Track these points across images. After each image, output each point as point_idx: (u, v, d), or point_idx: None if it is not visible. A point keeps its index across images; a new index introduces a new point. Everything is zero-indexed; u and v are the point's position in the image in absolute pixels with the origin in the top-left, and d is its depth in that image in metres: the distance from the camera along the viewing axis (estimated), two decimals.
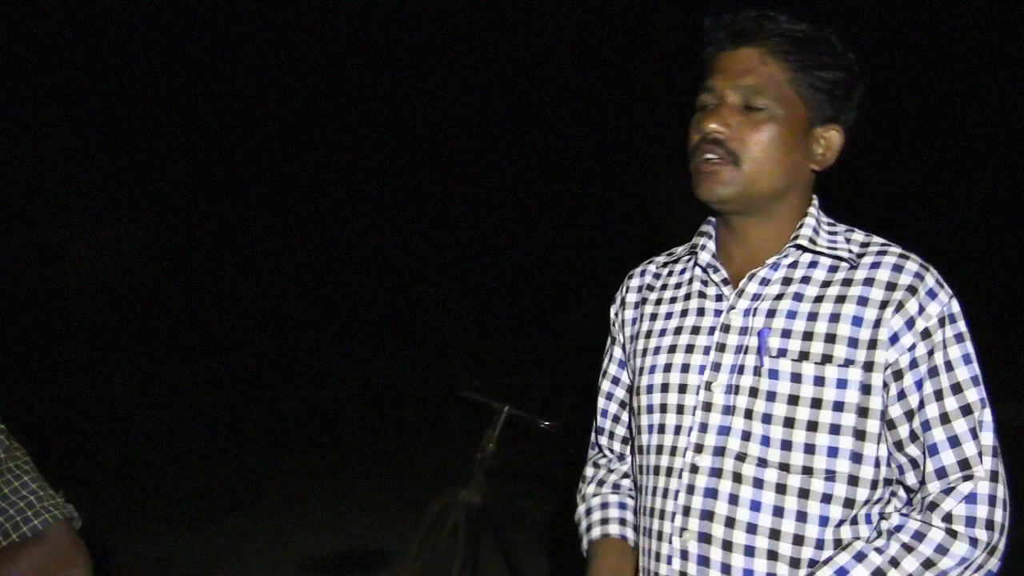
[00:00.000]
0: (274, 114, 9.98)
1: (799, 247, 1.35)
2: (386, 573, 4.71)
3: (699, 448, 1.33)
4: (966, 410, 1.24)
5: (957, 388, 1.24)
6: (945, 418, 1.24)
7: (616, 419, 1.60)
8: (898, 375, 1.25)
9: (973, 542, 1.20)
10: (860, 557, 1.22)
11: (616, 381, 1.60)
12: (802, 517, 1.26)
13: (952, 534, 1.20)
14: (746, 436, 1.29)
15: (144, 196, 8.77)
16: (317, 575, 4.90)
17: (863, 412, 1.26)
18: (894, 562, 1.21)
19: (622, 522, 1.52)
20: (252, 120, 9.88)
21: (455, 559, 3.70)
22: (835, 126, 1.36)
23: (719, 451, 1.31)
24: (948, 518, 1.21)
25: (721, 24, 1.36)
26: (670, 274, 1.52)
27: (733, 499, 1.29)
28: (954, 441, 1.23)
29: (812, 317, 1.30)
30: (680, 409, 1.37)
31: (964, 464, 1.22)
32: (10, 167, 8.05)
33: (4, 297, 7.83)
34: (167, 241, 8.93)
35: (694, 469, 1.32)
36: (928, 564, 1.20)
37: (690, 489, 1.32)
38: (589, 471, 1.64)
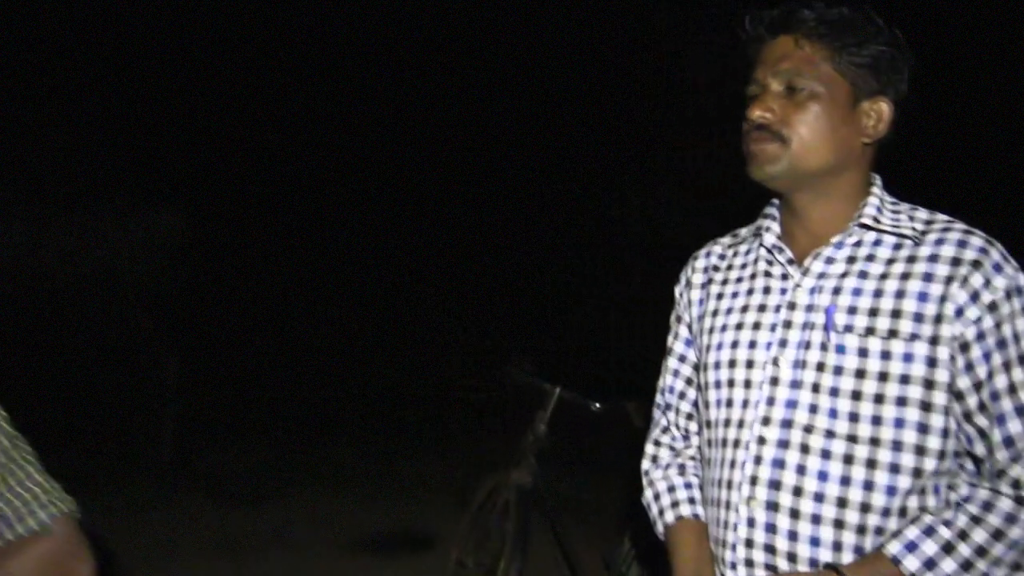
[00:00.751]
0: (283, 111, 10.08)
1: (863, 226, 1.39)
2: (436, 553, 4.79)
3: (766, 421, 1.37)
4: None
5: None
6: (1012, 388, 1.27)
7: (682, 396, 1.64)
8: (965, 347, 1.29)
9: None
10: (929, 531, 1.25)
11: (682, 359, 1.64)
12: (869, 486, 1.30)
13: (1020, 502, 1.23)
14: (813, 409, 1.34)
15: (149, 191, 8.91)
16: (363, 558, 4.97)
17: (929, 384, 1.29)
18: (963, 535, 1.24)
19: (691, 501, 1.57)
20: (256, 117, 9.99)
21: (506, 540, 3.76)
22: (883, 98, 1.40)
23: (786, 423, 1.35)
24: (1016, 485, 1.24)
25: (759, 19, 1.43)
26: (735, 255, 1.57)
27: (800, 469, 1.33)
28: (1021, 410, 1.26)
29: (878, 294, 1.34)
30: (748, 384, 1.41)
31: None
32: (16, 161, 8.22)
33: (18, 289, 8.02)
34: (189, 233, 9.07)
35: (761, 441, 1.37)
36: (998, 535, 1.23)
37: (757, 460, 1.37)
38: (651, 449, 1.68)
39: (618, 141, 9.62)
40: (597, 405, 3.69)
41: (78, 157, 8.80)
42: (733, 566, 1.39)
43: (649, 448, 1.69)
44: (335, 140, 10.34)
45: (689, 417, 1.64)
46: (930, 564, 1.24)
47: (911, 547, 1.25)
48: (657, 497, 1.61)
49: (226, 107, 9.84)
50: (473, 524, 3.78)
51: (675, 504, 1.58)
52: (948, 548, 1.24)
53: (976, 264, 1.30)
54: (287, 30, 9.88)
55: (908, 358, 1.29)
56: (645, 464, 1.68)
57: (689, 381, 1.63)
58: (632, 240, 9.40)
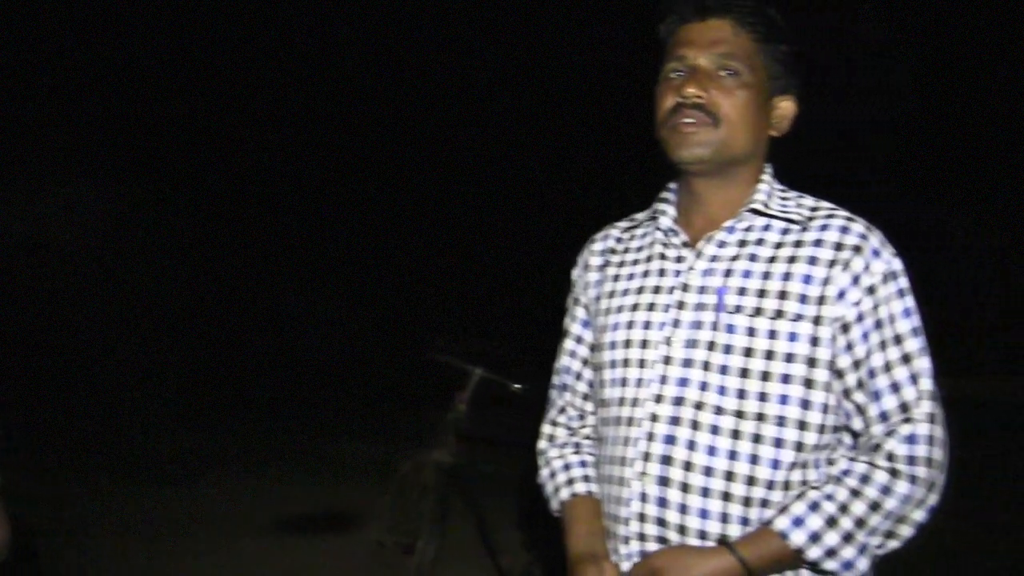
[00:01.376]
0: (263, 91, 9.89)
1: (753, 211, 1.45)
2: (357, 532, 4.79)
3: (659, 398, 1.42)
4: (906, 359, 1.34)
5: (898, 339, 1.35)
6: (888, 366, 1.34)
7: (578, 376, 1.68)
8: (846, 328, 1.36)
9: (913, 479, 1.30)
10: (814, 506, 1.31)
11: (579, 340, 1.68)
12: (754, 460, 1.35)
13: (894, 473, 1.30)
14: (703, 386, 1.39)
15: (115, 164, 8.68)
16: (284, 538, 4.95)
17: (812, 362, 1.36)
18: (844, 508, 1.30)
19: (586, 479, 1.61)
20: (198, 91, 9.78)
21: (425, 517, 3.78)
22: (789, 96, 1.48)
23: (678, 401, 1.40)
24: (891, 457, 1.31)
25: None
26: (632, 238, 1.61)
27: (691, 444, 1.38)
28: (895, 387, 1.34)
29: (766, 276, 1.40)
30: (642, 363, 1.46)
31: (904, 407, 1.33)
32: None
33: None
34: (133, 210, 8.85)
35: (654, 418, 1.41)
36: (875, 506, 1.30)
37: (650, 436, 1.41)
38: (548, 429, 1.72)
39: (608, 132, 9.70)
40: (517, 385, 3.74)
41: (14, 129, 8.50)
42: (626, 540, 1.43)
43: (546, 428, 1.72)
44: (294, 114, 10.16)
45: (585, 397, 1.68)
46: (815, 537, 1.30)
47: (798, 522, 1.31)
48: (552, 475, 1.65)
49: (164, 82, 9.60)
50: (393, 503, 3.80)
51: (570, 482, 1.61)
52: (831, 521, 1.30)
53: (857, 249, 1.37)
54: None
55: (793, 337, 1.36)
56: (541, 444, 1.71)
57: (585, 362, 1.67)
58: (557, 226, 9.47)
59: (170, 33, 9.37)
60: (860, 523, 1.30)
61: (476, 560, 4.17)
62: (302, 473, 6.17)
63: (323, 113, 10.32)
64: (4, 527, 1.33)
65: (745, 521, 1.35)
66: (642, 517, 1.41)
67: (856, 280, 1.36)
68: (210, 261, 9.77)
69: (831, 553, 1.30)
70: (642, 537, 1.41)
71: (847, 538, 1.30)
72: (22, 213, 8.04)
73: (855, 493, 1.31)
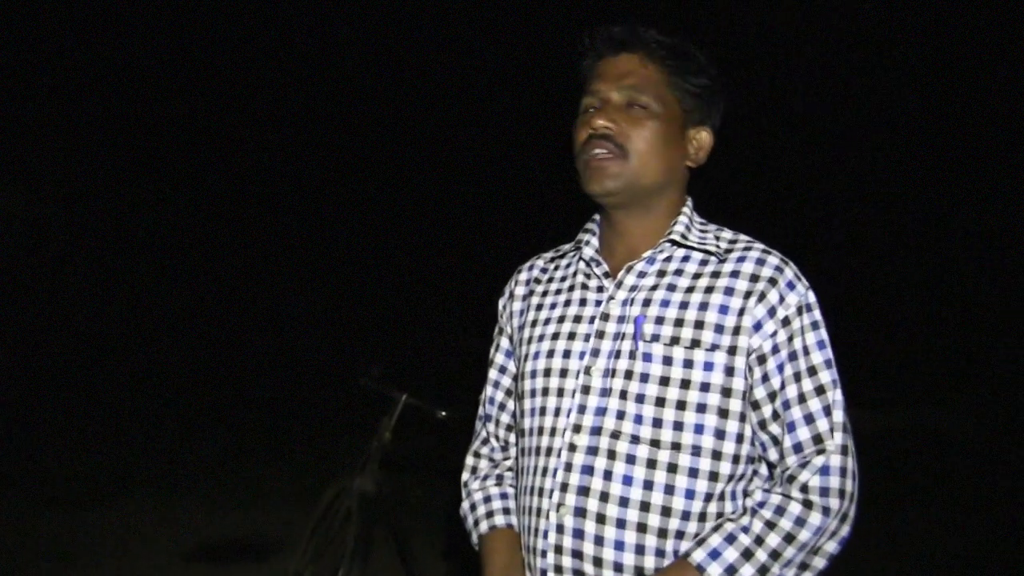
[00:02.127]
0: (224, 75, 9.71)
1: (673, 242, 1.47)
2: (276, 561, 4.68)
3: (577, 428, 1.41)
4: (820, 390, 1.36)
5: (812, 371, 1.37)
6: (802, 398, 1.36)
7: (502, 407, 1.68)
8: (761, 359, 1.37)
9: (826, 511, 1.31)
10: (730, 539, 1.32)
11: (503, 370, 1.68)
12: (670, 490, 1.35)
13: (808, 505, 1.32)
14: (620, 415, 1.39)
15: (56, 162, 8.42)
16: (202, 565, 4.82)
17: (727, 392, 1.37)
18: (759, 540, 1.31)
19: (506, 511, 1.60)
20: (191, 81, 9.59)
21: (346, 547, 3.71)
22: (705, 128, 1.51)
23: (596, 430, 1.40)
24: (804, 489, 1.32)
25: (599, 35, 1.49)
26: (556, 268, 1.63)
27: (607, 475, 1.37)
28: (809, 419, 1.35)
29: (683, 306, 1.41)
30: (560, 392, 1.46)
31: (818, 439, 1.35)
32: None
33: None
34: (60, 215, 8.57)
35: (572, 448, 1.41)
36: (789, 538, 1.31)
37: (568, 467, 1.40)
38: (471, 460, 1.71)
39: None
40: (443, 413, 3.70)
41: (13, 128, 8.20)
42: (543, 573, 1.42)
43: (469, 460, 1.71)
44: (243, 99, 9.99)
45: (509, 428, 1.67)
46: (731, 570, 1.30)
47: (714, 555, 1.31)
48: (473, 508, 1.64)
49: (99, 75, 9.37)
50: (314, 532, 3.72)
51: (490, 514, 1.60)
52: (747, 554, 1.31)
53: (772, 281, 1.39)
54: None
55: (708, 367, 1.37)
56: (465, 475, 1.70)
57: (509, 392, 1.67)
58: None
59: (170, 32, 9.19)
60: (775, 555, 1.31)
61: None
62: (222, 498, 6.02)
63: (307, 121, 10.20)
64: None
65: (660, 553, 1.35)
66: (559, 549, 1.40)
67: (772, 312, 1.38)
68: (115, 268, 9.53)
69: None
70: (558, 569, 1.40)
71: (762, 571, 1.31)
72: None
73: (770, 525, 1.32)
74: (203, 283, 9.98)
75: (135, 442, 7.40)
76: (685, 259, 1.46)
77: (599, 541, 1.36)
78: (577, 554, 1.38)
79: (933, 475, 6.67)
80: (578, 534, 1.38)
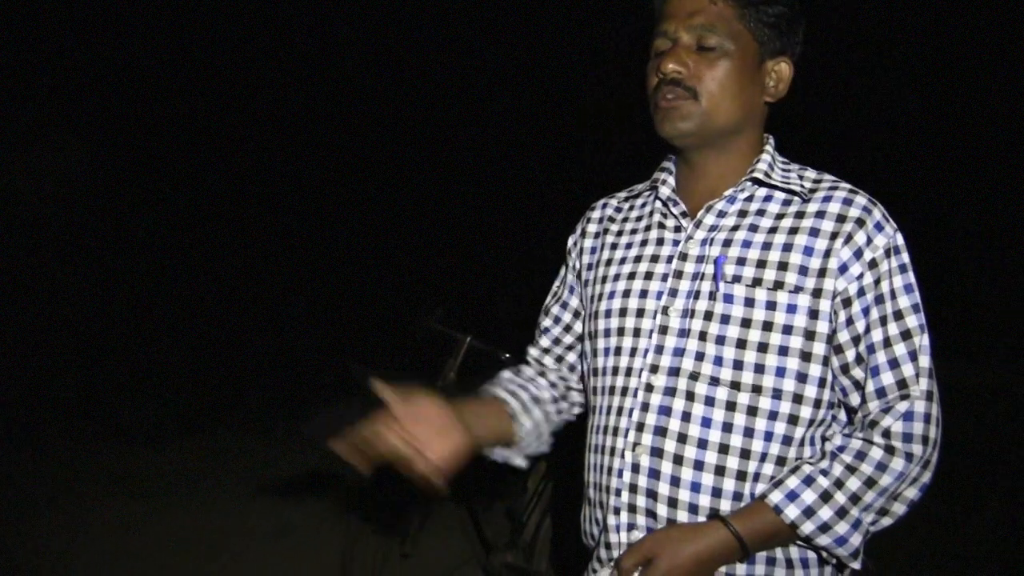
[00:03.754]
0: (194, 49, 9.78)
1: (755, 181, 1.43)
2: (339, 497, 4.79)
3: (654, 368, 1.40)
4: (906, 335, 1.32)
5: (899, 315, 1.33)
6: (887, 342, 1.32)
7: (556, 341, 1.68)
8: (847, 302, 1.33)
9: (908, 457, 1.28)
10: (808, 481, 1.29)
11: (564, 305, 1.67)
12: (749, 433, 1.34)
13: (890, 450, 1.29)
14: (700, 356, 1.37)
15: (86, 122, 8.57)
16: (272, 497, 4.96)
17: (810, 335, 1.34)
18: (839, 483, 1.28)
19: (509, 392, 1.61)
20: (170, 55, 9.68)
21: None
22: (784, 59, 1.44)
23: (674, 371, 1.38)
24: (887, 434, 1.29)
25: None
26: (631, 208, 1.59)
27: (686, 416, 1.36)
28: (893, 363, 1.32)
29: (766, 246, 1.37)
30: (637, 332, 1.44)
31: (902, 384, 1.31)
32: None
33: None
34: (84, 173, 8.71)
35: (649, 388, 1.39)
36: (870, 482, 1.28)
37: (644, 407, 1.39)
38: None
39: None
40: (507, 355, 3.71)
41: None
42: (616, 511, 1.42)
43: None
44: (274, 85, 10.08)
45: (558, 359, 1.68)
46: (808, 512, 1.28)
47: (791, 496, 1.29)
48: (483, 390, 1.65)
49: (142, 42, 9.48)
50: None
51: (496, 384, 1.64)
52: (825, 496, 1.28)
53: (860, 222, 1.34)
54: None
55: (792, 309, 1.33)
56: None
57: (567, 328, 1.67)
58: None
59: (169, 21, 9.26)
60: (854, 499, 1.29)
61: (461, 529, 4.18)
62: (282, 435, 6.15)
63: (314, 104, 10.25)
64: None
65: (738, 496, 1.33)
66: (633, 488, 1.39)
67: (858, 253, 1.33)
68: (186, 213, 9.69)
69: (824, 528, 1.29)
70: (632, 508, 1.40)
71: (840, 513, 1.28)
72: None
73: (850, 468, 1.29)
74: (261, 232, 10.12)
75: (196, 383, 7.58)
76: (767, 199, 1.42)
77: (675, 482, 1.36)
78: (651, 494, 1.38)
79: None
80: (654, 474, 1.37)
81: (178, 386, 7.50)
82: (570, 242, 1.67)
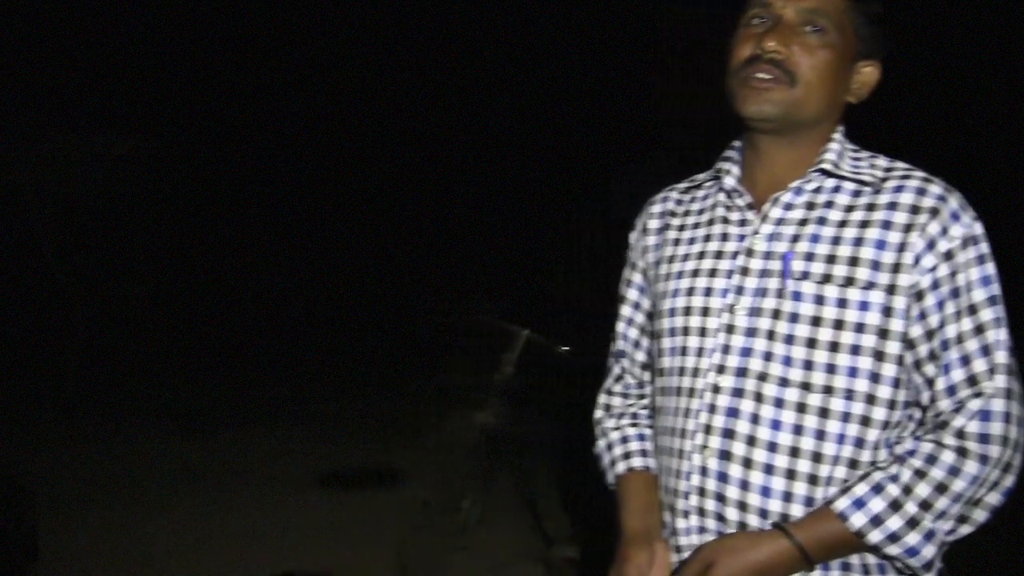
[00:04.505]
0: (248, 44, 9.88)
1: (823, 172, 1.37)
2: (400, 489, 4.81)
3: (721, 369, 1.35)
4: (979, 329, 1.25)
5: (973, 309, 1.26)
6: (960, 338, 1.25)
7: (636, 344, 1.62)
8: (920, 296, 1.27)
9: (984, 459, 1.22)
10: (877, 488, 1.23)
11: (636, 306, 1.62)
12: (820, 435, 1.28)
13: (963, 452, 1.22)
14: (768, 356, 1.32)
15: (112, 117, 8.70)
16: (324, 491, 5.00)
17: (883, 334, 1.27)
18: (908, 490, 1.22)
19: (643, 453, 1.56)
20: (224, 51, 9.79)
21: (470, 480, 3.79)
22: (875, 61, 1.38)
23: (741, 372, 1.33)
24: (960, 435, 1.23)
25: None
26: (692, 200, 1.54)
27: (754, 418, 1.31)
28: (965, 360, 1.25)
29: (835, 241, 1.31)
30: (702, 331, 1.39)
31: (972, 381, 1.24)
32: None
33: None
34: (153, 162, 8.83)
35: (716, 389, 1.35)
36: (941, 488, 1.22)
37: (711, 408, 1.35)
38: (604, 399, 1.67)
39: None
40: (564, 348, 3.70)
41: (45, 80, 8.59)
42: (685, 514, 1.38)
43: (602, 398, 1.67)
44: (300, 74, 10.16)
45: (644, 367, 1.62)
46: (876, 521, 1.23)
47: (858, 504, 1.23)
48: (609, 447, 1.60)
49: (194, 39, 9.63)
50: (437, 463, 3.80)
51: (627, 455, 1.57)
52: (895, 505, 1.23)
53: (934, 212, 1.27)
54: None
55: (864, 306, 1.27)
56: (598, 413, 1.66)
57: (643, 329, 1.61)
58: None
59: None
60: (925, 506, 1.22)
61: (520, 522, 4.18)
62: (343, 429, 6.22)
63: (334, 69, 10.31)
64: None
65: (808, 500, 1.28)
66: (701, 491, 1.35)
67: (932, 245, 1.26)
68: (236, 213, 9.82)
69: (894, 538, 1.22)
70: (701, 512, 1.36)
71: (911, 523, 1.22)
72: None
73: (919, 474, 1.23)
74: (318, 222, 10.21)
75: (257, 377, 7.70)
76: (835, 190, 1.36)
77: (744, 486, 1.31)
78: (720, 498, 1.33)
79: None
80: (722, 477, 1.33)
81: (240, 380, 7.62)
82: (632, 239, 1.62)
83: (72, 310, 7.43)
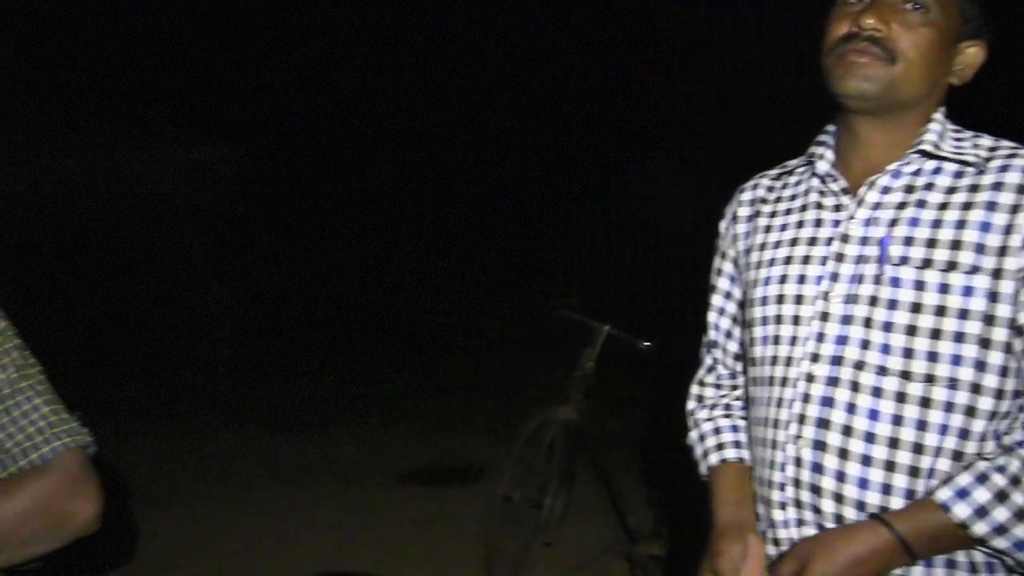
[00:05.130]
0: (340, 55, 10.04)
1: (923, 153, 1.31)
2: (482, 486, 4.83)
3: (815, 357, 1.31)
4: None
5: None
6: None
7: (728, 334, 1.59)
8: None
9: None
10: (982, 478, 1.18)
11: (728, 296, 1.58)
12: (922, 426, 1.23)
13: None
14: (864, 345, 1.27)
15: (204, 126, 8.92)
16: (408, 487, 5.05)
17: (989, 320, 1.22)
18: (1016, 481, 1.17)
19: (737, 445, 1.53)
20: (309, 63, 9.96)
21: (551, 476, 3.77)
22: (980, 42, 1.33)
23: (836, 360, 1.29)
24: None
25: None
26: (784, 186, 1.49)
27: (850, 408, 1.27)
28: None
29: (936, 224, 1.26)
30: (796, 320, 1.35)
31: None
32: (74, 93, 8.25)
33: (71, 220, 8.10)
34: (242, 167, 9.03)
35: (810, 378, 1.31)
36: None
37: (805, 398, 1.31)
38: (696, 389, 1.64)
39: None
40: (645, 343, 3.67)
41: (138, 92, 8.89)
42: (782, 506, 1.35)
43: (694, 388, 1.65)
44: (381, 80, 10.30)
45: (736, 357, 1.59)
46: (981, 512, 1.17)
47: (962, 494, 1.18)
48: (702, 438, 1.58)
49: (277, 51, 9.84)
50: (519, 459, 3.80)
51: (720, 446, 1.54)
52: (1001, 496, 1.17)
53: None
54: None
55: (968, 291, 1.22)
56: (690, 404, 1.64)
57: (735, 319, 1.58)
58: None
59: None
60: None
61: (603, 518, 4.16)
62: (426, 426, 6.28)
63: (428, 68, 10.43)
64: (94, 498, 1.24)
65: (910, 493, 1.23)
66: (796, 483, 1.32)
67: None
68: (325, 214, 9.99)
69: (1001, 530, 1.17)
70: (797, 504, 1.32)
71: (1020, 515, 1.16)
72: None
73: None
74: (398, 223, 10.34)
75: (338, 376, 7.82)
76: (936, 172, 1.30)
77: (840, 477, 1.27)
78: (815, 489, 1.30)
79: None
80: (817, 468, 1.29)
81: (325, 377, 7.76)
82: (721, 227, 1.58)
83: (173, 312, 7.69)
